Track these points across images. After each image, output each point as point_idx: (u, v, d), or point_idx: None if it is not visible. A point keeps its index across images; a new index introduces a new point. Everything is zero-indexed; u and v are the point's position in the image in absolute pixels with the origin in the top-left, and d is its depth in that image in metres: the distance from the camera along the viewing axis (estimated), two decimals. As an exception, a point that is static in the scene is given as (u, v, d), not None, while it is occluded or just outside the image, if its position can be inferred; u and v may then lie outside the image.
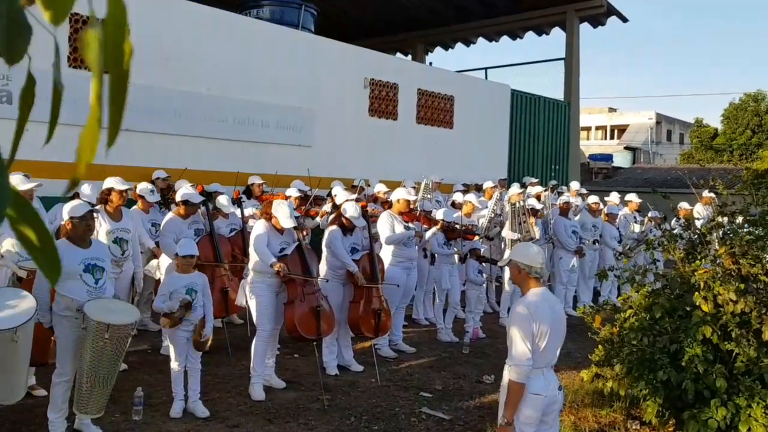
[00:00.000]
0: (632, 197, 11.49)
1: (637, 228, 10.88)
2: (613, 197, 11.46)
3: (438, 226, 7.52)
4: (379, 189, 9.47)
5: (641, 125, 43.25)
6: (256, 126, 10.36)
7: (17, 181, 4.97)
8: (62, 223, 4.57)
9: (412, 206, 7.29)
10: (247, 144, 10.20)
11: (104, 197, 5.91)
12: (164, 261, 6.08)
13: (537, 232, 8.64)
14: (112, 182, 5.90)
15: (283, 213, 5.44)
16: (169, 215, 6.36)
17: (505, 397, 3.51)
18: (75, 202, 4.50)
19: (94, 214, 5.20)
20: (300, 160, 10.41)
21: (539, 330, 3.40)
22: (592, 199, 10.49)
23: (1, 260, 4.72)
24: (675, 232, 5.65)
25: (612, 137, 44.94)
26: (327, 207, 8.29)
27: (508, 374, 3.49)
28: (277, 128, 10.63)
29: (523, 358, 3.37)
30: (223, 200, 7.10)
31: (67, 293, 4.21)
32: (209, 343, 5.10)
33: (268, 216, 5.60)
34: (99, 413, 4.38)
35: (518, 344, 3.39)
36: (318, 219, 8.16)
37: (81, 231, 4.35)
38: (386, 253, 6.91)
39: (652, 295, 5.14)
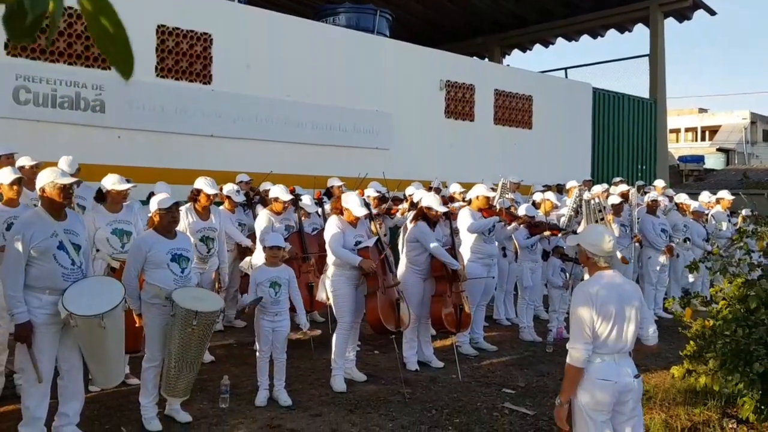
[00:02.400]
0: (724, 194, 10.95)
1: (724, 226, 10.35)
2: (704, 196, 10.96)
3: (519, 221, 7.39)
4: (455, 189, 9.40)
5: (734, 125, 41.14)
6: (334, 130, 10.53)
7: (115, 180, 5.24)
8: (149, 215, 4.77)
9: (491, 203, 7.20)
10: (325, 148, 10.37)
11: (193, 196, 6.14)
12: (256, 258, 6.25)
13: (616, 229, 8.37)
14: (201, 183, 6.10)
15: (353, 202, 5.49)
16: (264, 215, 6.50)
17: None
18: (162, 195, 4.69)
19: (183, 211, 5.44)
20: (378, 162, 10.48)
21: (602, 314, 3.24)
22: (682, 197, 10.06)
23: (97, 253, 4.97)
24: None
25: (703, 139, 42.97)
26: (405, 205, 8.31)
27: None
28: (355, 132, 10.77)
29: (580, 341, 3.24)
30: (306, 200, 7.25)
31: (156, 282, 4.39)
32: (312, 332, 5.24)
33: (339, 211, 5.66)
34: (185, 396, 4.54)
35: (576, 327, 3.28)
36: (398, 215, 8.20)
37: (167, 222, 4.53)
38: (465, 250, 6.84)
39: (747, 285, 4.86)
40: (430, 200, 6.14)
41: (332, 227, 5.54)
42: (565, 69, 17.64)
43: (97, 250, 5.02)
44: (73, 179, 4.09)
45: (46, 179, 4.00)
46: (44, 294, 3.94)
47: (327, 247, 5.61)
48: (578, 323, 3.27)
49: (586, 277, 8.40)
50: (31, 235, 3.89)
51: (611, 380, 3.25)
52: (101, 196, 5.20)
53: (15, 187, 4.75)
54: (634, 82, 17.08)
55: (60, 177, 4.02)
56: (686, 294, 9.78)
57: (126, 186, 5.26)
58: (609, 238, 3.40)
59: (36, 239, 3.90)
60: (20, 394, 4.75)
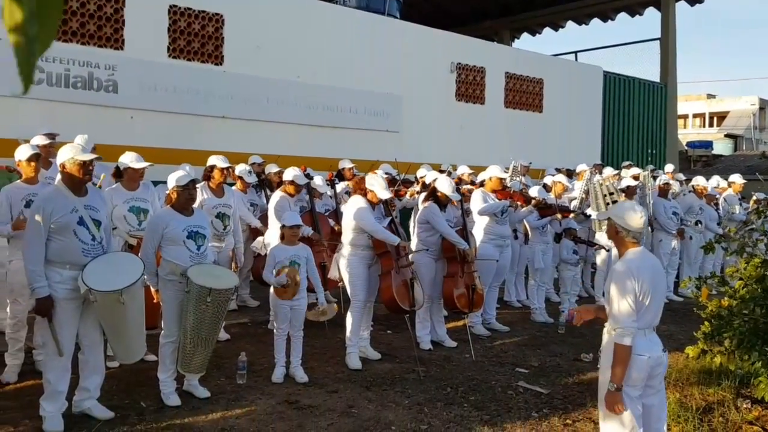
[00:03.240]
0: (736, 178, 10.91)
1: (737, 209, 10.32)
2: (714, 181, 10.93)
3: (534, 202, 7.38)
4: (463, 171, 9.38)
5: (743, 111, 40.89)
6: (344, 112, 10.52)
7: (132, 158, 5.26)
8: (167, 192, 4.78)
9: (504, 185, 7.20)
10: (335, 130, 10.36)
11: (207, 174, 6.16)
12: (269, 238, 6.27)
13: None
14: (214, 160, 6.16)
15: (379, 185, 5.49)
16: (278, 195, 6.53)
17: (605, 361, 3.37)
18: (179, 172, 4.70)
19: (198, 189, 5.45)
20: (388, 145, 10.48)
21: (641, 288, 3.24)
22: (700, 180, 10.03)
23: (114, 230, 4.98)
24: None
25: (711, 125, 42.71)
26: (416, 188, 8.31)
27: (608, 337, 3.35)
28: (365, 114, 10.75)
29: (627, 318, 3.22)
30: (318, 180, 7.27)
31: (172, 258, 4.41)
32: (327, 312, 5.23)
33: (363, 192, 5.64)
34: (201, 372, 4.58)
35: (621, 304, 3.24)
36: (407, 197, 8.20)
37: (184, 199, 4.54)
38: (478, 231, 6.85)
39: (764, 265, 4.85)
40: (443, 184, 6.14)
41: (359, 203, 5.53)
42: (575, 53, 17.55)
43: (114, 228, 5.04)
44: (93, 155, 4.10)
45: (66, 155, 4.01)
46: (65, 269, 3.97)
47: (354, 222, 5.51)
48: (622, 301, 3.24)
49: (598, 260, 8.40)
50: (51, 211, 3.91)
51: (646, 355, 3.26)
52: (118, 173, 5.21)
53: (33, 164, 4.76)
54: (644, 67, 16.99)
55: (80, 153, 4.03)
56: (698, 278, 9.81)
57: (143, 165, 5.28)
58: (640, 215, 3.38)
59: (56, 214, 3.92)
60: (40, 369, 4.81)
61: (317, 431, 4.18)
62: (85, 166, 4.03)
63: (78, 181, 4.04)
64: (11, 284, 4.83)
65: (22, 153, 4.79)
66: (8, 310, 4.96)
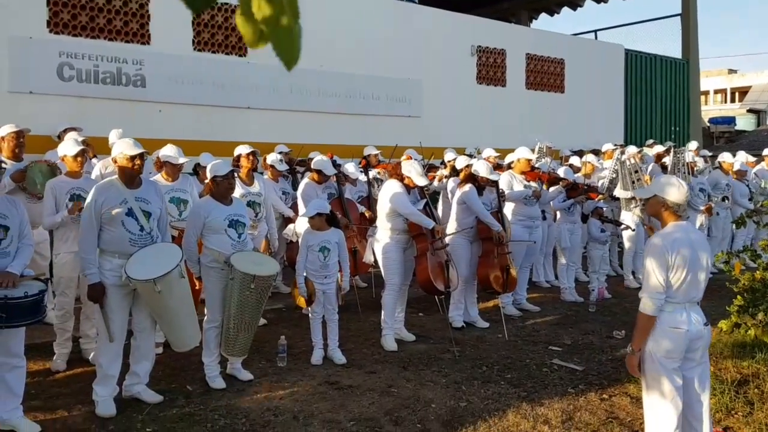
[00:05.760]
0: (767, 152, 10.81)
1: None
2: (741, 156, 10.83)
3: (562, 183, 7.41)
4: (489, 154, 9.40)
5: (765, 86, 40.20)
6: (367, 99, 10.59)
7: (173, 151, 5.42)
8: (206, 182, 4.90)
9: (533, 165, 7.23)
10: (358, 117, 10.43)
11: (235, 164, 6.29)
12: (300, 225, 6.39)
13: None
14: (240, 148, 6.32)
15: (416, 171, 5.57)
16: (305, 182, 6.67)
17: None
18: (217, 162, 4.82)
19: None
20: (410, 130, 10.53)
21: (675, 262, 3.27)
22: (725, 156, 9.97)
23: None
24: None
25: (733, 100, 42.08)
26: (444, 171, 8.37)
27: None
28: (387, 100, 10.81)
29: (654, 290, 3.27)
30: (350, 167, 7.37)
31: (214, 246, 4.54)
32: (340, 297, 5.34)
33: (399, 177, 5.72)
34: (243, 355, 4.73)
35: (650, 275, 3.30)
36: (436, 182, 8.26)
37: (223, 189, 4.66)
38: (507, 212, 6.91)
39: (798, 238, 4.87)
40: (481, 167, 6.21)
41: (395, 187, 5.61)
42: (595, 31, 17.40)
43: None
44: (140, 150, 4.24)
45: (117, 150, 4.21)
46: (114, 258, 4.13)
47: (390, 206, 5.59)
48: (651, 272, 3.30)
49: (626, 239, 8.40)
50: (102, 202, 4.10)
51: (682, 328, 3.30)
52: (159, 165, 5.37)
53: (79, 159, 4.92)
54: (666, 44, 16.80)
55: (129, 148, 4.20)
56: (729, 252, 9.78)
57: (182, 160, 5.45)
58: (682, 189, 3.39)
59: (106, 205, 4.10)
60: (86, 357, 5.00)
61: (360, 410, 4.30)
62: (133, 160, 4.19)
63: (129, 174, 4.21)
64: (58, 277, 5.00)
65: (69, 149, 4.94)
66: (55, 302, 5.13)
